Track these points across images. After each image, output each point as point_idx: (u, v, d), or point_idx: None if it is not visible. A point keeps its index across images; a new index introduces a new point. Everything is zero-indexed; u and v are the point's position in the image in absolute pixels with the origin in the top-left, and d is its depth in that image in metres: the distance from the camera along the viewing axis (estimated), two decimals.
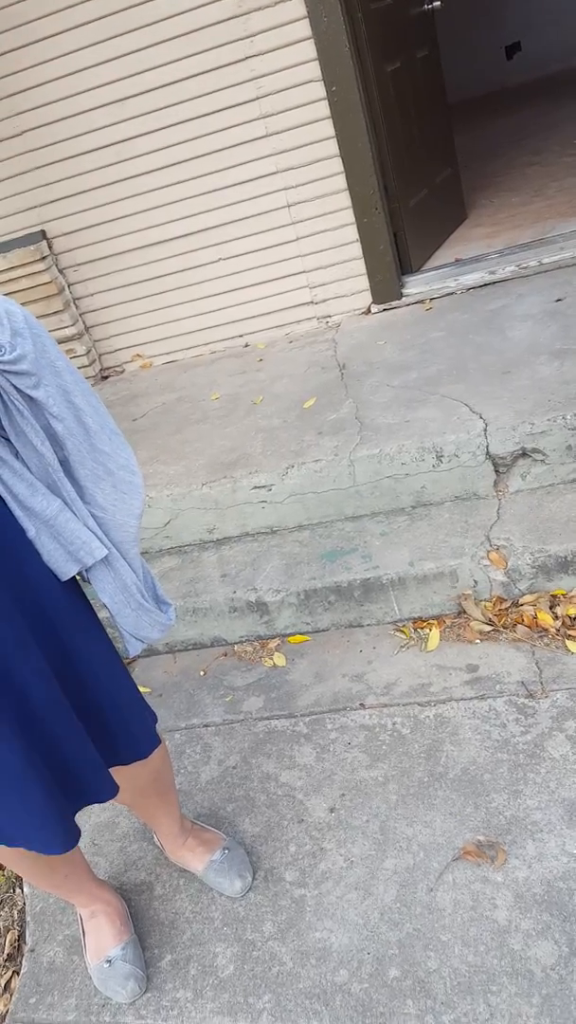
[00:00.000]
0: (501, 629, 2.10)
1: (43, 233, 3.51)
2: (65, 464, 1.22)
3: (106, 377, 3.78)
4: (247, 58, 3.01)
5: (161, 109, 3.17)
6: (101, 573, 1.29)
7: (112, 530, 1.28)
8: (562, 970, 1.39)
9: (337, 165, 3.11)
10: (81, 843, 1.92)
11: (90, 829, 1.98)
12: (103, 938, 1.64)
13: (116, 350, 3.74)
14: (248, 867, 1.72)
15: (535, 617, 2.07)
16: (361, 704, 2.05)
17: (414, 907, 1.56)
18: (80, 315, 3.67)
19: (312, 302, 3.40)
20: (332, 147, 3.10)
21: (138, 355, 3.72)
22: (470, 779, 1.76)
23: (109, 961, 1.60)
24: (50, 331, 3.42)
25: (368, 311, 3.37)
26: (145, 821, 1.73)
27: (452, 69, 4.72)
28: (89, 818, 2.00)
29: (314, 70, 2.99)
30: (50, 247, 3.54)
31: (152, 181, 3.31)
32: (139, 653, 1.43)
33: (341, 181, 3.14)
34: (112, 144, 3.27)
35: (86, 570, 1.30)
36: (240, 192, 3.25)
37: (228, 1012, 1.51)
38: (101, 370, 3.78)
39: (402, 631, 2.24)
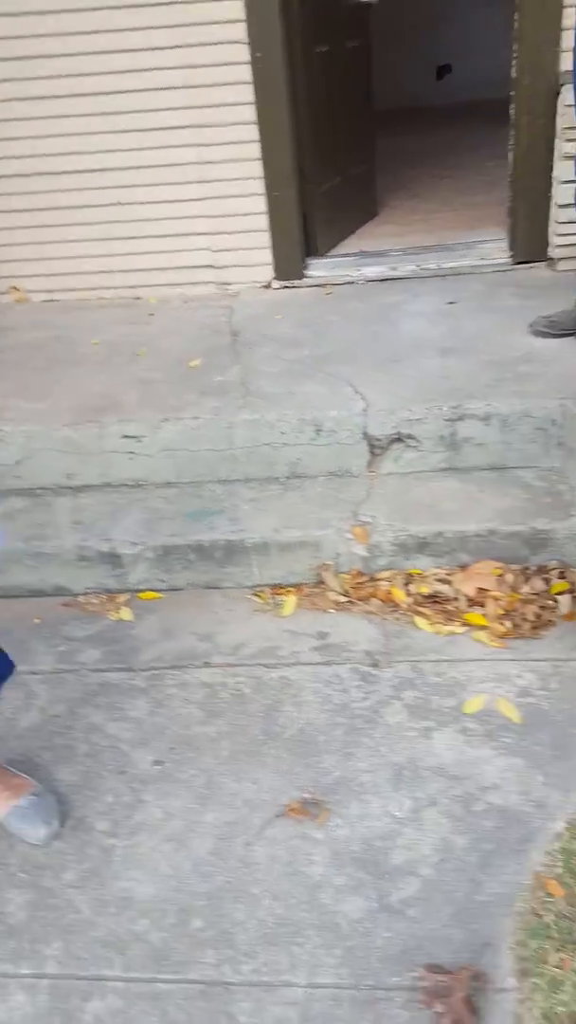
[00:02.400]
0: (356, 601, 2.09)
1: None
2: None
3: None
4: (173, 3, 2.92)
5: (75, 34, 2.99)
6: None
7: None
8: (368, 924, 1.37)
9: (253, 132, 3.07)
10: None
11: None
12: None
13: None
14: (56, 815, 1.61)
15: (389, 593, 2.07)
16: (206, 662, 1.99)
17: (229, 860, 1.50)
18: None
19: (212, 266, 3.33)
20: (250, 113, 3.04)
21: (15, 288, 3.50)
22: (305, 740, 1.73)
23: None
24: None
25: (269, 286, 3.34)
26: None
27: (384, 78, 4.82)
28: None
29: (241, 31, 2.92)
30: None
31: (54, 107, 3.12)
32: None
33: (255, 150, 3.09)
34: (16, 59, 3.06)
35: None
36: (148, 139, 3.13)
37: (11, 959, 1.39)
38: None
39: (259, 596, 2.19)
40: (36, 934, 1.43)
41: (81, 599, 2.30)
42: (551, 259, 3.14)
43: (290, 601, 2.13)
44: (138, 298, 3.44)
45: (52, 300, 3.53)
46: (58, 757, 1.78)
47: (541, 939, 1.32)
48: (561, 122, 2.90)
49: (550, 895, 1.38)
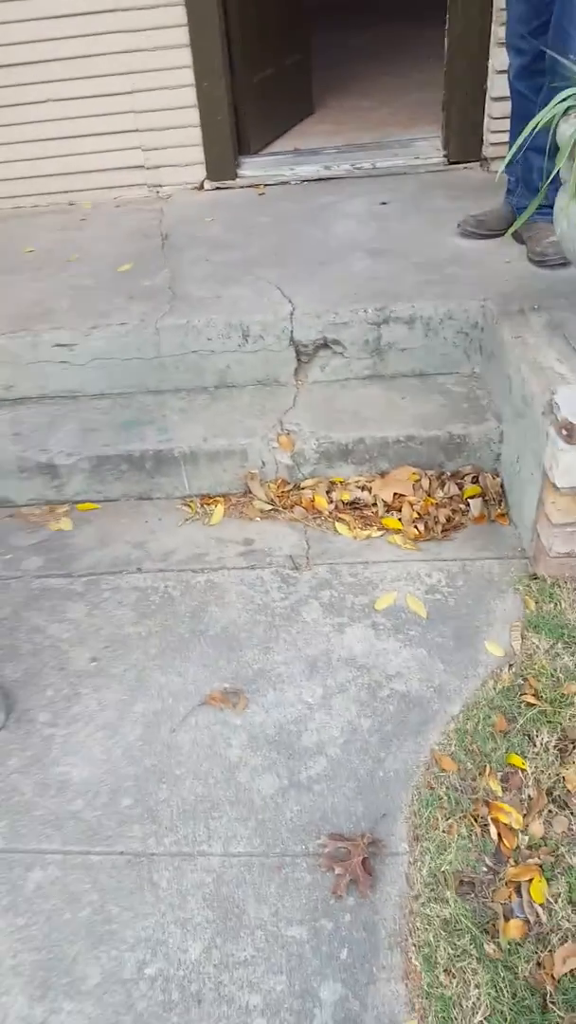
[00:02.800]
0: (281, 509, 2.18)
1: None
2: None
3: None
4: None
5: None
6: None
7: None
8: (279, 799, 1.52)
9: (181, 15, 2.93)
10: None
11: None
12: None
13: None
14: (2, 707, 1.73)
15: (312, 500, 2.16)
16: (138, 568, 2.08)
17: (155, 745, 1.64)
18: None
19: (144, 166, 3.23)
20: None
21: None
22: (228, 637, 1.85)
23: None
24: None
25: (201, 187, 3.26)
26: None
27: None
28: None
29: None
30: None
31: None
32: None
33: (184, 35, 2.96)
34: None
35: None
36: (71, 25, 2.98)
37: None
38: None
39: (189, 506, 2.27)
40: None
41: (24, 510, 2.36)
42: (485, 159, 3.10)
43: (218, 510, 2.21)
44: (72, 204, 3.35)
45: None
46: (3, 656, 1.88)
47: (433, 809, 1.48)
48: (498, 3, 2.77)
49: (443, 770, 1.54)
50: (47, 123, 3.18)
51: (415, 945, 1.30)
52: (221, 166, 3.20)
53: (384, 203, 2.92)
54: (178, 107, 3.10)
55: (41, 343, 2.43)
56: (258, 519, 2.18)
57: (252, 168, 3.26)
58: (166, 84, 3.06)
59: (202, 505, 2.25)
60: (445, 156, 3.14)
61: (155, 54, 3.02)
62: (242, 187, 3.23)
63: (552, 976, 1.25)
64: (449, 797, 1.49)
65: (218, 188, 3.24)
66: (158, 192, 3.29)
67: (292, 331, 2.32)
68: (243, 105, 3.21)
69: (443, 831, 1.45)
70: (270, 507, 2.18)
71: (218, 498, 2.26)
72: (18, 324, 2.46)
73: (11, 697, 1.78)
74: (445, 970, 1.27)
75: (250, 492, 2.22)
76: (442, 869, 1.39)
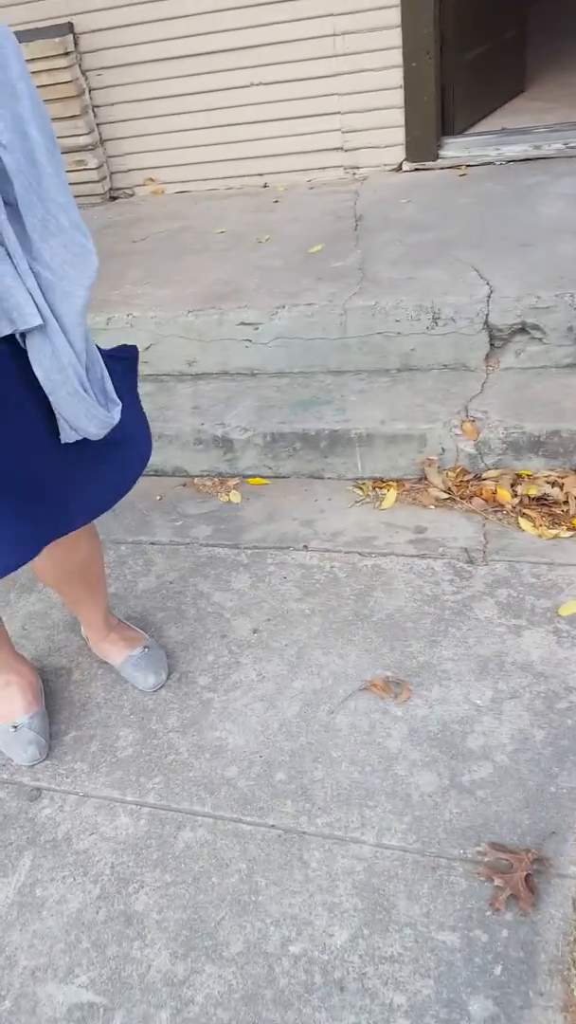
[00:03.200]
0: (458, 499, 2.09)
1: (70, 26, 3.25)
2: (12, 208, 1.08)
3: (115, 198, 3.61)
4: None
5: None
6: (39, 344, 1.16)
7: (58, 298, 1.15)
8: (438, 798, 1.44)
9: None
10: (11, 628, 1.97)
11: (22, 616, 2.02)
12: (13, 706, 1.69)
13: (129, 170, 3.55)
14: (165, 667, 1.77)
15: (494, 492, 2.05)
16: (305, 546, 2.06)
17: (312, 724, 1.61)
18: (97, 125, 3.45)
19: (342, 148, 3.21)
20: None
21: (151, 179, 3.54)
22: (393, 624, 1.78)
23: (15, 727, 1.66)
24: (62, 137, 3.25)
25: (399, 168, 3.20)
26: (72, 609, 1.76)
27: None
28: (23, 606, 2.04)
29: None
30: (76, 43, 3.28)
31: None
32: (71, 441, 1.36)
33: (395, 15, 2.90)
34: None
35: (23, 338, 1.21)
36: (282, 11, 3.00)
37: (118, 786, 1.57)
38: (110, 189, 3.60)
39: (360, 488, 2.22)
40: (141, 768, 1.60)
41: (197, 480, 2.42)
42: None
43: (391, 495, 2.15)
44: (265, 186, 3.39)
45: (184, 192, 3.55)
46: (169, 618, 1.93)
47: None
48: None
49: None
50: (248, 107, 3.24)
51: None
52: (422, 147, 3.12)
53: None
54: (382, 88, 3.05)
55: (226, 321, 2.47)
56: (432, 507, 2.09)
57: (454, 149, 3.15)
58: (372, 66, 3.02)
59: (374, 488, 2.20)
60: None
61: (363, 36, 2.98)
62: (442, 168, 3.13)
63: None
64: None
65: (417, 169, 3.17)
66: (354, 174, 3.26)
67: (487, 314, 2.20)
68: (450, 85, 3.11)
69: None
70: (446, 496, 2.09)
71: (391, 483, 2.19)
72: (206, 302, 2.52)
73: (174, 658, 1.82)
74: None
75: (426, 479, 2.14)
76: None
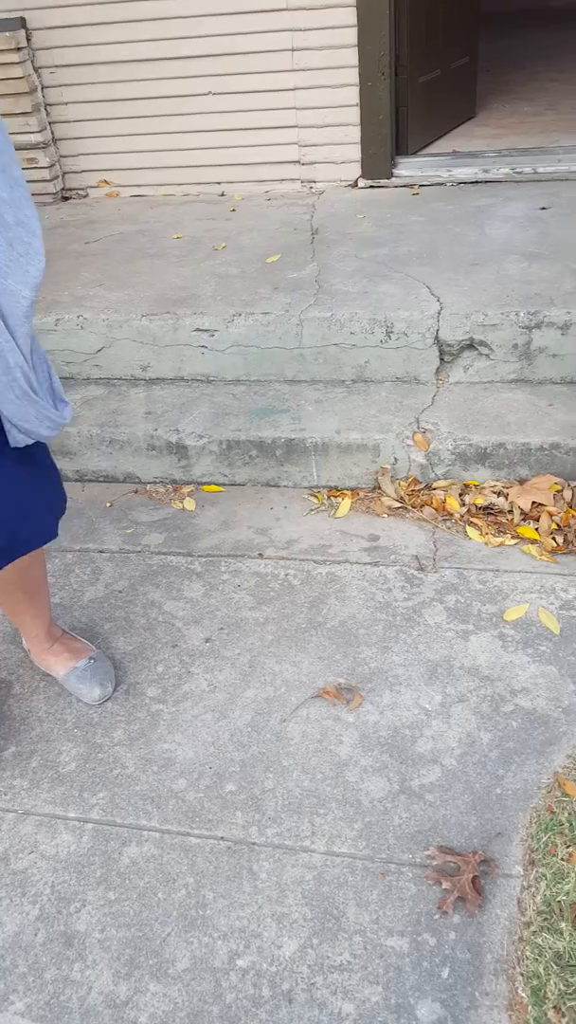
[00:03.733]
0: (410, 508, 2.11)
1: (22, 21, 3.21)
2: None
3: (67, 199, 3.57)
4: None
5: None
6: None
7: (2, 298, 1.12)
8: (388, 804, 1.45)
9: (350, 16, 2.91)
10: None
11: None
12: None
13: (82, 171, 3.52)
14: (111, 678, 1.73)
15: (444, 502, 2.08)
16: (260, 554, 2.06)
17: (264, 733, 1.60)
18: (50, 123, 3.41)
19: (299, 162, 3.24)
20: None
21: (105, 182, 3.51)
22: (346, 631, 1.79)
23: None
24: (13, 133, 3.20)
25: (355, 184, 3.24)
26: (12, 620, 1.71)
27: None
28: None
29: None
30: (28, 39, 3.24)
31: None
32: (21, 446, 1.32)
33: (352, 35, 2.95)
34: None
35: None
36: (242, 23, 3.03)
37: (61, 803, 1.53)
38: (63, 189, 3.56)
39: (316, 496, 2.23)
40: (84, 783, 1.56)
41: (149, 487, 2.39)
42: None
43: (345, 503, 2.16)
44: (223, 194, 3.40)
45: (139, 196, 3.53)
46: (117, 628, 1.90)
47: (552, 834, 1.37)
48: None
49: (567, 795, 1.42)
50: (206, 115, 3.25)
51: (523, 975, 1.20)
52: (377, 165, 3.17)
53: (544, 208, 2.80)
54: (339, 105, 3.09)
55: (182, 327, 2.46)
56: (385, 516, 2.11)
57: (408, 168, 3.21)
58: (329, 83, 3.06)
59: (329, 497, 2.21)
60: None
61: (321, 53, 3.02)
62: (396, 187, 3.19)
63: None
64: (571, 824, 1.37)
65: (372, 187, 3.21)
66: (311, 188, 3.29)
67: (438, 330, 2.24)
68: (405, 106, 3.17)
69: (562, 859, 1.33)
70: (399, 505, 2.11)
71: (346, 491, 2.21)
72: (161, 307, 2.51)
73: (121, 669, 1.78)
74: (555, 1007, 1.16)
75: (379, 488, 2.16)
76: (558, 899, 1.28)
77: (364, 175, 3.22)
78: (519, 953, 1.23)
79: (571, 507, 1.98)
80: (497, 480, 2.09)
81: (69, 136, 3.44)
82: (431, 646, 1.73)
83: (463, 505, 2.06)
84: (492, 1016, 1.17)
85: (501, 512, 2.02)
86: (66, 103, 3.35)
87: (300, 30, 2.99)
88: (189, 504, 2.29)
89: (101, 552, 2.15)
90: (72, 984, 1.26)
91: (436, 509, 2.07)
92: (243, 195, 3.35)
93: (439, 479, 2.13)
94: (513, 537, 1.96)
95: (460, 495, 2.08)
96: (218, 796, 1.50)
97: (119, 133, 3.38)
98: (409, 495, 2.13)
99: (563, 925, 1.25)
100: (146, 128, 3.34)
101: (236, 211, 3.21)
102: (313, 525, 2.13)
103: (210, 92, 3.18)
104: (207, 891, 1.36)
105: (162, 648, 1.83)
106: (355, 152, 3.17)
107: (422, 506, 2.09)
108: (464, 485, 2.10)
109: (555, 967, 1.21)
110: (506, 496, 2.03)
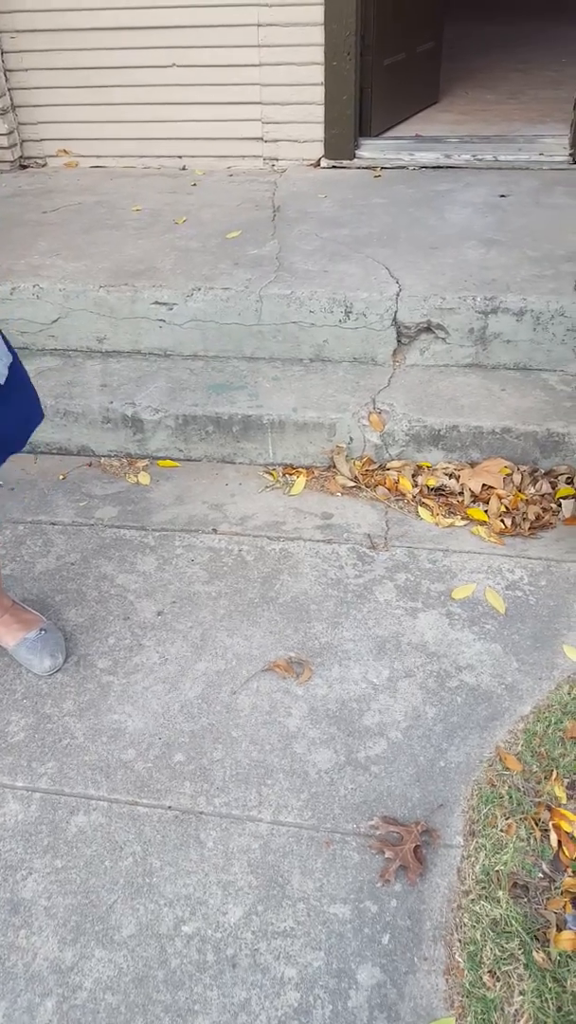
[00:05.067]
0: (363, 488, 2.13)
1: None
2: None
3: (25, 167, 3.49)
4: None
5: None
6: None
7: None
8: (334, 775, 1.47)
9: None
10: None
11: None
12: None
13: (41, 139, 3.44)
14: (62, 649, 1.72)
15: (397, 482, 2.11)
16: (214, 529, 2.06)
17: (214, 705, 1.61)
18: (9, 90, 3.33)
19: (262, 139, 3.22)
20: None
21: (65, 151, 3.44)
22: (298, 607, 1.81)
23: None
24: None
25: (317, 164, 3.23)
26: None
27: None
28: None
29: None
30: None
31: None
32: None
33: (319, 14, 2.93)
34: None
35: None
36: None
37: (8, 772, 1.52)
38: (20, 157, 3.48)
39: (271, 474, 2.24)
40: (33, 753, 1.56)
41: (103, 461, 2.37)
42: None
43: (300, 481, 2.18)
44: (184, 168, 3.36)
45: (100, 167, 3.46)
46: (69, 600, 1.88)
47: (492, 806, 1.41)
48: None
49: (507, 769, 1.47)
50: (170, 87, 3.20)
51: (460, 941, 1.24)
52: (340, 145, 3.16)
53: (503, 195, 2.84)
54: (304, 84, 3.07)
55: (140, 299, 2.43)
56: (339, 494, 2.13)
57: (371, 150, 3.22)
58: (295, 60, 3.04)
59: (284, 475, 2.22)
60: (571, 155, 3.04)
61: (287, 30, 3.00)
62: (359, 168, 3.19)
63: None
64: (511, 796, 1.42)
65: (334, 167, 3.21)
66: (273, 165, 3.27)
67: (396, 311, 2.26)
68: (369, 87, 3.17)
69: (501, 830, 1.38)
70: (352, 484, 2.13)
71: (301, 469, 2.22)
72: (119, 279, 2.47)
73: (72, 641, 1.78)
74: (490, 971, 1.20)
75: (334, 467, 2.18)
76: (496, 868, 1.32)
77: (327, 155, 3.21)
78: (457, 920, 1.27)
79: (520, 490, 2.02)
80: (449, 462, 2.12)
81: (29, 103, 3.36)
82: (380, 622, 1.76)
83: (416, 486, 2.09)
84: (430, 980, 1.21)
85: (452, 493, 2.06)
86: (26, 69, 3.27)
87: (267, 5, 2.96)
88: (144, 478, 2.28)
89: (53, 524, 2.12)
90: (17, 950, 1.26)
91: (389, 489, 2.10)
92: (205, 170, 3.32)
93: (393, 459, 2.16)
94: (463, 518, 2.00)
95: (413, 476, 2.11)
96: (167, 766, 1.51)
97: (80, 102, 3.31)
98: (363, 475, 2.15)
99: (500, 894, 1.29)
100: (108, 98, 3.28)
101: (197, 186, 3.17)
102: (268, 502, 2.14)
103: (174, 64, 3.13)
104: (154, 859, 1.37)
105: (114, 620, 1.82)
106: (318, 132, 3.16)
107: (375, 486, 2.12)
108: (417, 466, 2.13)
109: (491, 933, 1.25)
110: (457, 478, 2.07)
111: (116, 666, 1.71)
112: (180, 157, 3.35)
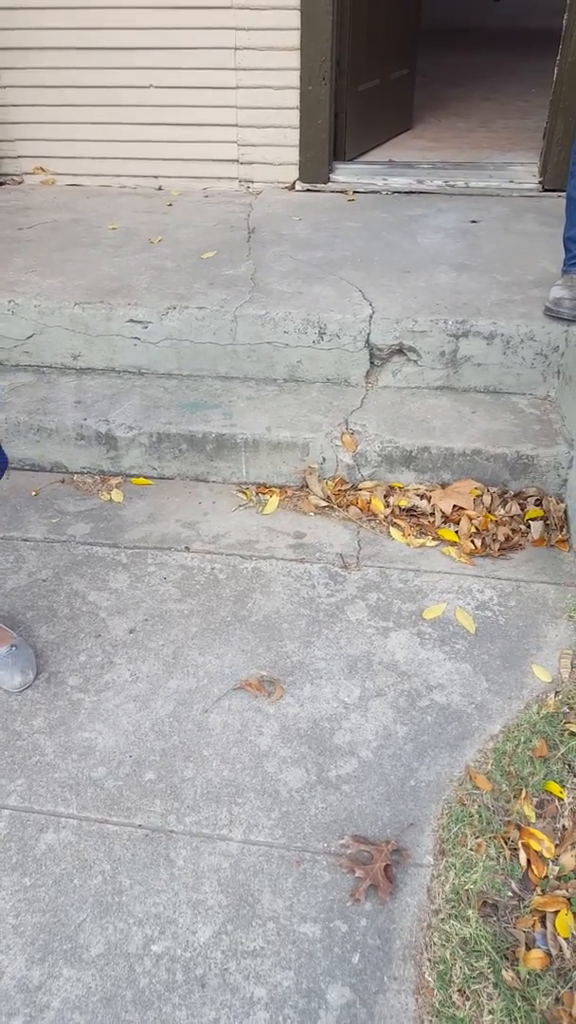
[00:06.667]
0: (336, 507, 2.15)
1: None
2: None
3: (1, 183, 3.49)
4: None
5: None
6: None
7: None
8: (305, 794, 1.48)
9: (294, 19, 2.95)
10: None
11: None
12: None
13: (18, 156, 3.45)
14: (32, 666, 1.71)
15: (369, 502, 2.13)
16: (186, 547, 2.06)
17: (186, 723, 1.61)
18: None
19: (238, 161, 3.26)
20: None
21: (41, 169, 3.45)
22: (270, 625, 1.82)
23: None
24: None
25: (292, 187, 3.28)
26: None
27: None
28: None
29: None
30: None
31: None
32: None
33: (295, 38, 2.98)
34: None
35: None
36: (186, 17, 3.02)
37: None
38: None
39: (244, 493, 2.25)
40: (2, 770, 1.54)
41: (76, 478, 2.37)
42: None
43: (273, 501, 2.19)
44: (160, 188, 3.39)
45: (76, 185, 3.48)
46: (40, 617, 1.87)
47: (463, 825, 1.43)
48: None
49: (477, 788, 1.48)
50: (147, 108, 3.23)
51: (430, 960, 1.25)
52: (314, 169, 3.21)
53: (474, 221, 2.90)
54: (279, 107, 3.12)
55: (115, 317, 2.44)
56: (312, 514, 2.15)
57: (345, 174, 3.27)
58: (271, 84, 3.09)
59: (257, 494, 2.23)
60: (540, 183, 3.12)
61: (263, 53, 3.05)
62: (333, 192, 3.24)
63: (571, 1015, 1.18)
64: (480, 816, 1.43)
65: (309, 190, 3.26)
66: (248, 187, 3.31)
67: (369, 333, 2.30)
68: (344, 112, 3.23)
69: (471, 849, 1.39)
70: (325, 504, 2.15)
71: (274, 489, 2.24)
72: (94, 296, 2.48)
73: (43, 658, 1.77)
74: (459, 990, 1.21)
75: (307, 487, 2.20)
76: (466, 887, 1.34)
77: (302, 178, 3.26)
78: (427, 939, 1.28)
79: (490, 511, 2.06)
80: (421, 483, 2.16)
81: (6, 120, 3.37)
82: (352, 642, 1.77)
83: (387, 506, 2.11)
84: (400, 1000, 1.21)
85: (423, 514, 2.08)
86: (4, 87, 3.28)
87: (244, 29, 3.01)
88: (117, 496, 2.28)
89: (25, 541, 2.11)
90: None
91: (361, 509, 2.12)
92: (181, 190, 3.34)
93: (365, 480, 2.18)
94: (434, 539, 2.03)
95: (385, 496, 2.13)
96: (137, 784, 1.51)
97: (58, 120, 3.32)
98: (336, 494, 2.17)
99: (470, 912, 1.30)
100: (86, 117, 3.30)
101: (173, 206, 3.20)
102: (241, 521, 2.15)
103: (151, 85, 3.16)
104: (124, 878, 1.36)
105: (85, 638, 1.82)
106: (293, 155, 3.21)
107: (348, 506, 2.14)
108: (389, 487, 2.16)
109: (461, 952, 1.26)
110: (429, 499, 2.10)
111: (87, 683, 1.71)
112: (156, 177, 3.38)
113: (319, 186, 3.25)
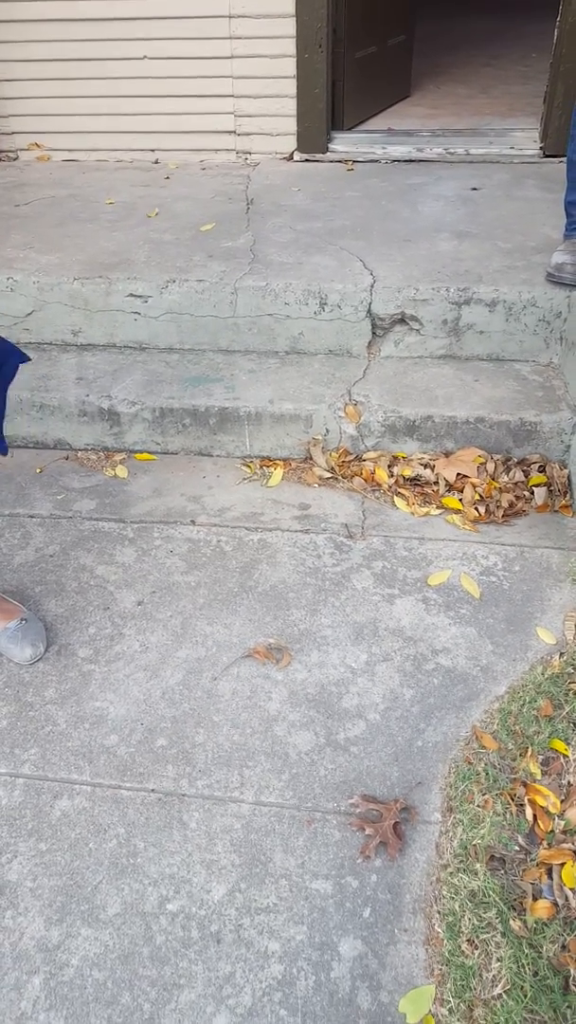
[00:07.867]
0: (340, 479, 2.16)
1: None
2: None
3: None
4: None
5: None
6: None
7: None
8: (315, 756, 1.50)
9: None
10: None
11: None
12: None
13: (12, 132, 3.42)
14: (42, 639, 1.74)
15: (373, 473, 2.14)
16: (192, 521, 2.08)
17: (195, 691, 1.63)
18: None
19: (235, 132, 3.23)
20: None
21: (37, 144, 3.43)
22: (276, 595, 1.84)
23: None
24: None
25: (290, 158, 3.25)
26: None
27: None
28: None
29: None
30: None
31: None
32: None
33: (290, 5, 2.95)
34: None
35: None
36: None
37: None
38: None
39: (248, 466, 2.26)
40: (15, 740, 1.57)
41: (80, 454, 2.38)
42: None
43: (277, 473, 2.20)
44: (157, 162, 3.36)
45: (72, 160, 3.46)
46: (48, 591, 1.89)
47: (469, 782, 1.45)
48: None
49: (483, 747, 1.51)
50: (142, 80, 3.20)
51: (439, 912, 1.28)
52: (313, 139, 3.19)
53: (475, 188, 2.88)
54: (276, 76, 3.09)
55: (115, 292, 2.44)
56: (316, 485, 2.16)
57: (343, 144, 3.24)
58: (267, 53, 3.05)
59: (261, 467, 2.24)
60: (541, 148, 3.09)
61: (258, 21, 3.01)
62: (331, 161, 3.21)
63: None
64: (487, 773, 1.46)
65: (307, 160, 3.23)
66: (246, 159, 3.28)
67: (371, 303, 2.29)
68: (341, 80, 3.20)
69: (478, 805, 1.42)
70: (329, 475, 2.16)
71: (278, 461, 2.25)
72: (93, 271, 2.48)
73: (53, 631, 1.79)
74: (468, 940, 1.24)
75: (311, 458, 2.21)
76: (474, 842, 1.36)
77: (300, 148, 3.23)
78: (436, 893, 1.31)
79: (493, 479, 2.07)
80: (424, 452, 2.16)
81: (0, 96, 3.33)
82: (358, 609, 1.79)
83: (391, 476, 2.12)
84: (410, 950, 1.25)
85: (427, 483, 2.09)
86: None
87: None
88: (121, 471, 2.29)
89: (31, 517, 2.13)
90: (4, 931, 1.28)
91: (365, 479, 2.13)
92: (178, 163, 3.32)
93: (369, 450, 2.19)
94: (438, 507, 2.04)
95: (389, 466, 2.14)
96: (149, 751, 1.53)
97: (53, 95, 3.29)
98: (340, 466, 2.18)
99: (478, 866, 1.33)
100: (81, 91, 3.27)
101: (170, 179, 3.18)
102: (245, 493, 2.16)
103: (145, 56, 3.13)
104: (138, 840, 1.39)
105: (94, 611, 1.84)
106: (291, 125, 3.18)
107: (352, 476, 2.15)
108: (393, 456, 2.17)
109: (469, 904, 1.29)
110: (432, 468, 2.11)
111: (97, 655, 1.73)
112: (153, 151, 3.35)
113: (317, 156, 3.22)
